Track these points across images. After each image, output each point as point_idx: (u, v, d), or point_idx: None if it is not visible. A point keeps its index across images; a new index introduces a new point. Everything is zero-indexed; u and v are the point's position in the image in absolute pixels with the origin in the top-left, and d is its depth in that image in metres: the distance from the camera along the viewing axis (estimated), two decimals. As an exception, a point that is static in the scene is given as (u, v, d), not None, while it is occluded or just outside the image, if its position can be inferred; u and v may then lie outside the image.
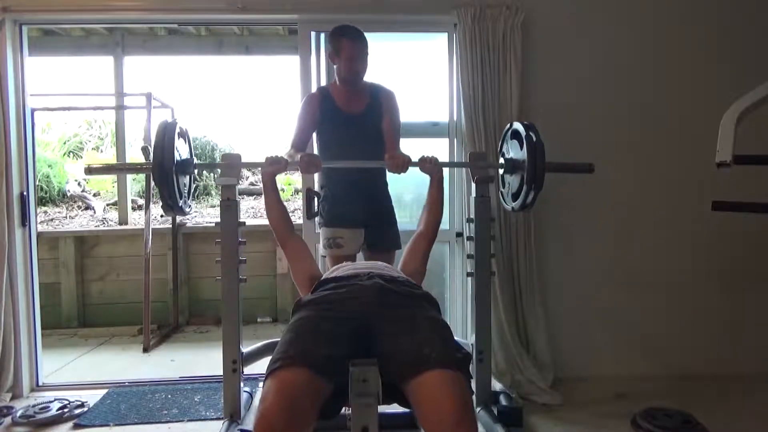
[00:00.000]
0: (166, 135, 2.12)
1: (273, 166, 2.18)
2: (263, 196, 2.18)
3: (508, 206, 2.45)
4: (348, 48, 2.41)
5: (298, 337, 1.49)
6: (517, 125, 2.32)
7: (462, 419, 1.30)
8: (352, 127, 2.51)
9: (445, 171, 3.02)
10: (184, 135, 2.31)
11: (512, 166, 2.35)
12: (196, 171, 2.42)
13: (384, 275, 1.78)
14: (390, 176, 2.63)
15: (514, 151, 2.36)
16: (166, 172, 2.09)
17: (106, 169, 2.44)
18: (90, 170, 2.28)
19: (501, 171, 2.46)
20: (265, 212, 2.18)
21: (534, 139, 2.20)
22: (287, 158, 2.26)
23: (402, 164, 2.27)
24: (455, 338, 1.69)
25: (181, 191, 2.25)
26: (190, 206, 2.40)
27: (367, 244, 2.57)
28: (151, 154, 3.53)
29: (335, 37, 2.44)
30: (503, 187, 2.49)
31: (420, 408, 1.38)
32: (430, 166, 2.26)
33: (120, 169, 2.50)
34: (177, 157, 2.17)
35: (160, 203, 2.22)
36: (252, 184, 6.53)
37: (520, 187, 2.28)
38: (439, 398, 1.34)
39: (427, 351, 1.42)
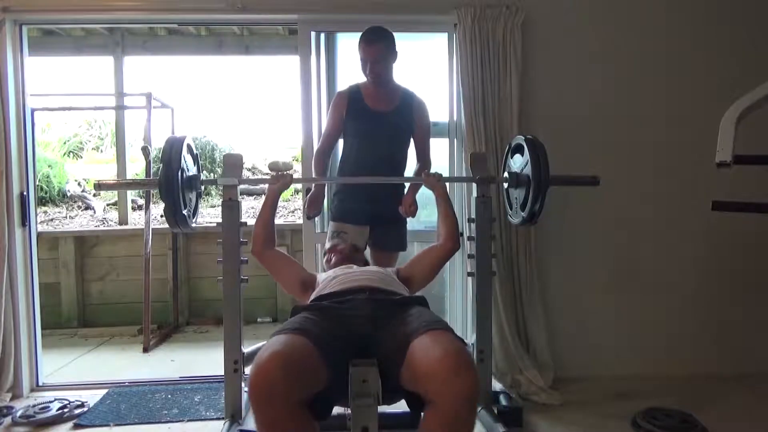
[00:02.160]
0: (173, 152, 2.13)
1: (279, 183, 2.19)
2: (261, 209, 2.20)
3: (514, 220, 2.45)
4: (362, 51, 2.46)
5: (299, 322, 1.50)
6: (520, 139, 2.32)
7: (458, 364, 1.28)
8: (376, 123, 2.55)
9: (444, 169, 3.05)
10: (191, 150, 2.33)
11: (516, 180, 2.35)
12: (202, 187, 2.44)
13: (382, 290, 1.78)
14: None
15: (517, 164, 2.36)
16: (173, 189, 2.10)
17: (115, 186, 2.50)
18: (99, 186, 2.33)
19: (506, 185, 2.47)
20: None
21: (537, 152, 2.20)
22: (296, 171, 2.30)
23: (409, 214, 2.46)
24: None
25: (187, 207, 2.26)
26: (195, 220, 2.41)
27: (372, 243, 2.59)
28: (150, 156, 3.53)
29: (359, 40, 2.48)
30: (509, 204, 2.50)
31: (415, 368, 1.36)
32: (432, 180, 2.27)
33: (129, 185, 2.56)
34: (184, 171, 2.19)
35: (165, 218, 2.23)
36: (252, 184, 6.54)
37: (525, 201, 2.27)
38: (431, 348, 1.33)
39: (414, 325, 1.45)
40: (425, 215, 3.17)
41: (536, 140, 2.26)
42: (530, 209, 2.24)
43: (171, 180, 2.10)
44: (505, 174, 2.45)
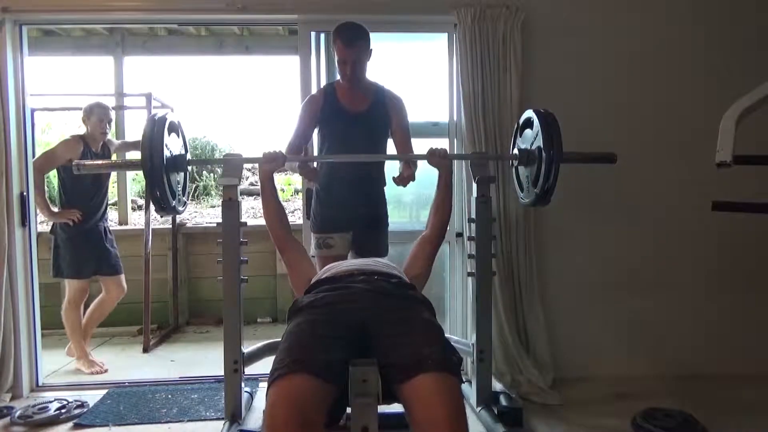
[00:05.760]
0: (155, 130, 2.02)
1: (271, 164, 2.12)
2: (261, 196, 2.13)
3: (526, 200, 2.36)
4: (339, 51, 2.37)
5: (295, 345, 1.48)
6: (529, 113, 2.23)
7: (455, 429, 1.30)
8: (352, 125, 2.49)
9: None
10: (176, 129, 2.21)
11: (527, 156, 2.24)
12: (190, 167, 2.36)
13: (379, 272, 1.79)
14: (390, 177, 2.64)
15: (528, 140, 2.26)
16: (155, 170, 1.99)
17: (96, 167, 2.38)
18: (79, 167, 2.21)
19: (515, 163, 2.38)
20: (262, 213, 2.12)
21: (549, 123, 2.09)
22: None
23: (407, 180, 2.33)
24: (451, 339, 1.69)
25: (173, 190, 2.15)
26: (185, 204, 2.30)
27: (355, 248, 2.56)
28: None
29: (333, 36, 2.41)
30: (519, 185, 2.42)
31: (413, 411, 1.37)
32: (438, 159, 2.18)
33: (110, 166, 2.46)
34: (168, 153, 2.08)
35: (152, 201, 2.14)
36: (252, 184, 6.53)
37: (536, 178, 2.16)
38: (434, 404, 1.33)
39: (425, 352, 1.43)
40: (425, 215, 3.17)
41: (547, 112, 2.15)
42: (543, 185, 2.12)
43: (153, 160, 1.98)
44: (515, 152, 2.35)
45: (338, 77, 2.55)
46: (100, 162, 2.43)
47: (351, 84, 2.45)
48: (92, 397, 2.79)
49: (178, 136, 2.25)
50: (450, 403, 1.34)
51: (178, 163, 2.18)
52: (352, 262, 1.98)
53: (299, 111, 2.57)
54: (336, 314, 1.59)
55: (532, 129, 2.23)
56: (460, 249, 2.99)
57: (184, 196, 2.30)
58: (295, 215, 5.55)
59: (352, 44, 2.35)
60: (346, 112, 2.50)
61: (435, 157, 2.20)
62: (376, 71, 2.58)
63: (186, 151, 2.31)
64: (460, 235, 2.97)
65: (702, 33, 3.01)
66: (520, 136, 2.37)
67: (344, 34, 2.36)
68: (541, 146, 2.10)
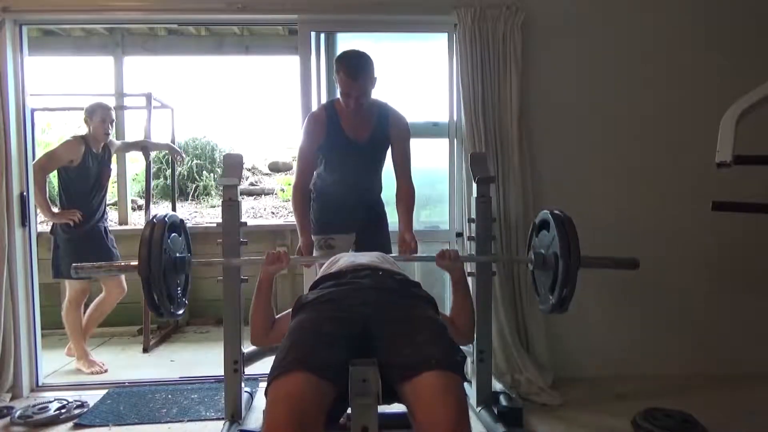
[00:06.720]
0: (153, 235, 1.93)
1: (275, 265, 1.99)
2: (255, 296, 1.96)
3: (543, 307, 2.22)
4: (343, 83, 2.30)
5: (295, 343, 1.47)
6: (547, 215, 2.12)
7: (457, 429, 1.29)
8: (354, 152, 2.47)
9: (444, 169, 3.04)
10: (177, 228, 2.11)
11: (543, 261, 2.13)
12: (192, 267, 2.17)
13: (384, 269, 1.80)
14: (387, 177, 2.64)
15: (544, 242, 2.15)
16: (153, 276, 1.90)
17: (95, 269, 2.33)
18: (77, 271, 2.15)
19: (531, 267, 2.25)
20: (252, 310, 1.98)
21: (566, 230, 2.00)
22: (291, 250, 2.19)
23: (412, 250, 2.34)
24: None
25: (172, 294, 2.01)
26: (185, 304, 2.16)
27: (357, 247, 2.55)
28: (150, 156, 3.41)
29: (336, 64, 2.34)
30: (535, 289, 2.30)
31: (416, 410, 1.36)
32: (447, 262, 2.02)
33: (108, 268, 2.47)
34: (168, 257, 1.99)
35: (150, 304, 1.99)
36: (252, 184, 6.54)
37: (553, 284, 2.05)
38: (437, 404, 1.33)
39: (429, 351, 1.42)
40: (425, 215, 3.17)
41: (564, 215, 2.06)
42: (560, 293, 2.00)
43: (150, 267, 1.90)
44: (531, 255, 2.24)
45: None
46: (98, 264, 2.34)
47: (353, 111, 2.38)
48: (92, 397, 2.79)
49: (180, 235, 2.14)
50: (453, 403, 1.33)
51: (178, 265, 2.07)
52: (357, 255, 1.99)
53: (302, 130, 2.51)
54: (339, 311, 1.59)
55: (548, 231, 2.11)
56: (460, 249, 2.98)
57: (184, 297, 2.17)
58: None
59: (356, 78, 2.27)
60: (348, 140, 2.45)
61: (445, 260, 2.03)
62: (376, 71, 2.58)
63: (189, 251, 2.20)
64: (460, 235, 2.97)
65: (702, 33, 3.01)
66: (536, 237, 2.23)
67: (348, 66, 2.28)
68: (558, 252, 1.99)
